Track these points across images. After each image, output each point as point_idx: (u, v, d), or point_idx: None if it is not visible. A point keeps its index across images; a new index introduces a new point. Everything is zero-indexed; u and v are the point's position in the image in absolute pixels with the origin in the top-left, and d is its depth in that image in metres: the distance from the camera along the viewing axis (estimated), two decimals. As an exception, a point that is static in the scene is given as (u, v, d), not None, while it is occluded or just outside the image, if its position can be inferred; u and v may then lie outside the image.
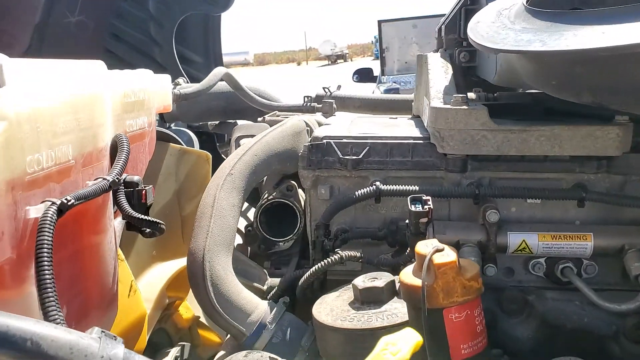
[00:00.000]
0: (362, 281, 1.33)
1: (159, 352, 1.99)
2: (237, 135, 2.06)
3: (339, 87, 2.56)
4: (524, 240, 1.50)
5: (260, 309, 1.47)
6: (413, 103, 2.14)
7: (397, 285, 1.35)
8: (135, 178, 1.25)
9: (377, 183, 1.54)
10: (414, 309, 1.10)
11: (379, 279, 1.32)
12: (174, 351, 1.98)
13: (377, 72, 11.42)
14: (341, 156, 1.59)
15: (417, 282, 1.07)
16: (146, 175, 1.89)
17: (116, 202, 1.20)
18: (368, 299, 1.30)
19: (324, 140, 1.62)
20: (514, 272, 1.58)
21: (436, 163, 1.58)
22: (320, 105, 2.39)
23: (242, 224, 1.98)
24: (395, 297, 1.31)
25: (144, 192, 1.25)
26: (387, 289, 1.30)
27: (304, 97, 2.44)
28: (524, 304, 1.54)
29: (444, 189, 1.52)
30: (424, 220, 1.36)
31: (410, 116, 2.12)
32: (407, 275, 1.11)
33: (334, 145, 1.60)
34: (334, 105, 2.38)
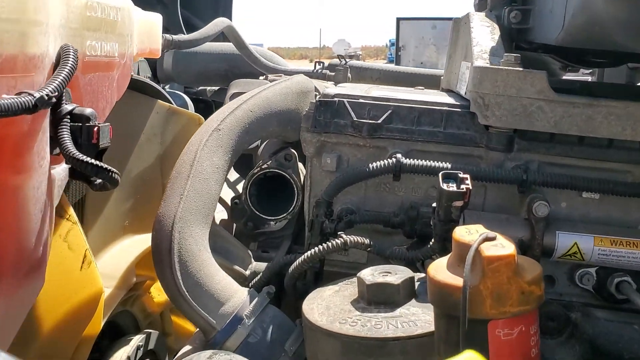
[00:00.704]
0: (371, 274, 1.01)
1: (121, 339, 1.69)
2: (233, 91, 1.75)
3: (357, 55, 2.24)
4: (575, 243, 1.20)
5: (237, 297, 1.16)
6: (442, 77, 1.83)
7: (417, 284, 1.04)
8: (87, 111, 0.94)
9: (398, 155, 1.23)
10: (445, 317, 0.79)
11: (393, 274, 1.01)
12: (137, 339, 1.67)
13: (391, 71, 11.10)
14: (355, 119, 1.28)
15: (455, 280, 0.76)
16: (125, 132, 1.59)
17: (56, 137, 0.89)
18: (377, 299, 0.99)
19: (336, 99, 1.30)
20: (555, 282, 1.29)
21: (474, 138, 1.26)
22: (333, 74, 2.08)
23: (229, 194, 1.67)
24: (414, 300, 1.00)
25: (95, 129, 0.93)
26: (403, 288, 0.99)
27: (315, 63, 2.13)
28: (566, 323, 1.24)
29: (482, 171, 1.21)
30: (459, 203, 1.05)
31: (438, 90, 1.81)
32: (439, 270, 0.80)
33: (347, 105, 1.29)
34: (349, 75, 2.07)
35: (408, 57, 10.67)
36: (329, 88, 1.40)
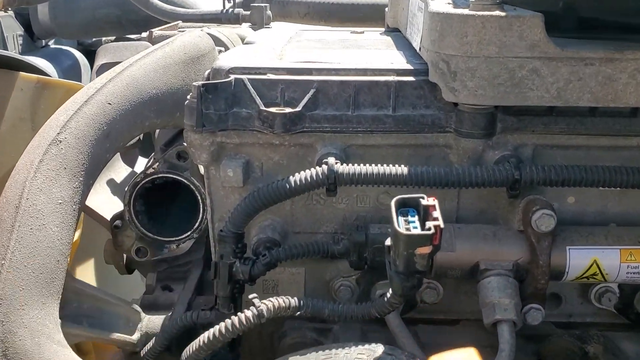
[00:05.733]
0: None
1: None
2: (101, 62, 1.28)
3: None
4: (595, 261, 0.85)
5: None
6: (387, 9, 1.39)
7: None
8: None
9: (331, 160, 0.82)
10: None
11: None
12: None
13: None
14: (263, 108, 0.85)
15: None
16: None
17: None
18: None
19: (232, 76, 0.87)
20: (561, 300, 0.96)
21: (438, 120, 0.86)
22: (249, 13, 1.61)
23: (115, 210, 1.23)
24: None
25: None
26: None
27: (224, 0, 1.64)
28: (582, 360, 0.91)
29: (454, 172, 0.81)
30: (425, 250, 0.66)
31: (382, 30, 1.37)
32: None
33: (249, 86, 0.86)
34: (269, 13, 1.60)
35: None
36: (223, 56, 0.95)
